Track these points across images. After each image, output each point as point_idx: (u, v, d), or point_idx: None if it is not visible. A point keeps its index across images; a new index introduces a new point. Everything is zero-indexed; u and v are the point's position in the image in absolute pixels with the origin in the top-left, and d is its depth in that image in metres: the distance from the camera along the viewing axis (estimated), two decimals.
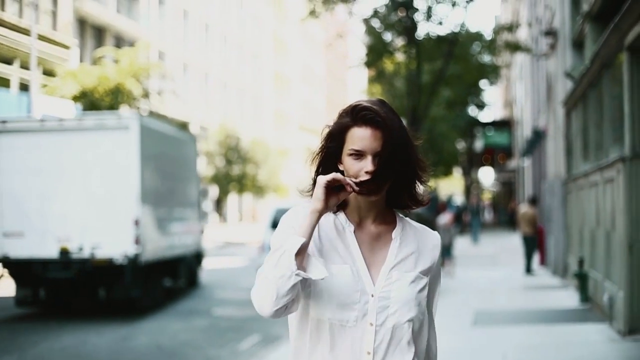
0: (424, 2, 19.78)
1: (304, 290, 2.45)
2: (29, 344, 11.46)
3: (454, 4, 19.77)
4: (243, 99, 60.61)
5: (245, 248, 33.75)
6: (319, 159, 2.58)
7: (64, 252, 13.76)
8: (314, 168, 2.59)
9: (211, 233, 42.30)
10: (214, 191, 51.83)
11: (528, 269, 19.84)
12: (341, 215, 2.58)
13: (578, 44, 16.75)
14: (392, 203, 2.61)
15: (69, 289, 14.90)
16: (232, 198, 56.12)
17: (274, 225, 17.33)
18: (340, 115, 2.52)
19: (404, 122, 2.54)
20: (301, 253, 2.36)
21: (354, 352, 2.45)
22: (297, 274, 2.32)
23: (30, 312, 14.74)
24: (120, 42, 37.96)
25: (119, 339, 11.79)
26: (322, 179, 2.40)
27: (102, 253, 13.72)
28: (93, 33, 35.69)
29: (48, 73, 27.15)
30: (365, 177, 2.41)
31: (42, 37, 24.98)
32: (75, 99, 27.74)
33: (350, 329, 2.44)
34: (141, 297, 14.42)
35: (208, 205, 52.50)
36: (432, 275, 2.61)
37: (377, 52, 21.95)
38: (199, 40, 51.17)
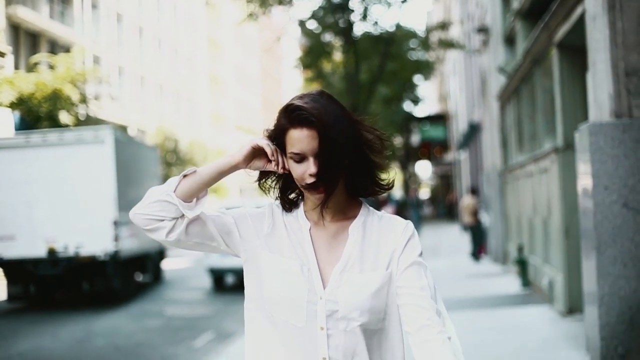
0: (360, 3, 20.16)
1: (251, 274, 2.40)
2: None
3: (389, 5, 20.21)
4: (179, 101, 60.49)
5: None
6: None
7: (52, 252, 15.75)
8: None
9: None
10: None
11: (474, 256, 20.49)
12: (300, 212, 2.46)
13: (509, 40, 17.36)
14: (356, 191, 2.44)
15: (56, 284, 16.87)
16: None
17: None
18: (278, 117, 2.37)
19: None
20: (193, 188, 2.32)
21: (307, 357, 2.33)
22: (169, 194, 2.29)
23: None
24: (55, 47, 37.70)
25: (75, 342, 11.98)
26: (255, 140, 2.32)
27: (86, 251, 15.74)
28: (27, 39, 35.42)
29: None
30: (310, 180, 2.27)
31: None
32: (13, 106, 27.60)
33: (302, 331, 2.32)
34: (120, 288, 16.55)
35: None
36: (404, 258, 2.34)
37: (315, 53, 22.30)
38: (134, 44, 50.97)
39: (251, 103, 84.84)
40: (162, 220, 2.31)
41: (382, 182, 2.41)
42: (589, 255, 7.14)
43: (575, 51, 10.05)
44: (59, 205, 15.70)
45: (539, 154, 12.52)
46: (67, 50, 36.78)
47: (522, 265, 13.95)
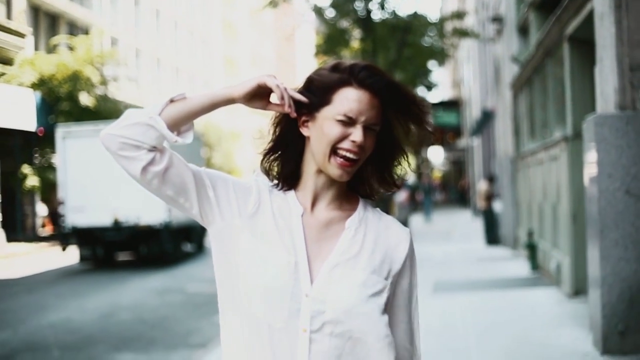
0: None
1: (220, 245, 2.12)
2: (17, 321, 12.20)
3: None
4: (194, 83, 60.98)
5: None
6: (277, 124, 2.18)
7: (116, 221, 19.42)
8: (272, 126, 2.19)
9: None
10: None
11: (489, 240, 20.97)
12: (290, 195, 2.16)
13: (523, 30, 17.76)
14: (355, 186, 2.21)
15: (119, 247, 20.83)
16: None
17: None
18: (327, 69, 2.10)
19: None
20: (180, 115, 2.05)
21: None
22: (152, 118, 2.02)
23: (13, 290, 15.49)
24: (73, 29, 38.14)
25: (103, 316, 12.55)
26: (262, 77, 2.02)
27: (144, 221, 19.34)
28: (47, 21, 35.85)
29: (4, 61, 27.51)
30: (349, 146, 2.02)
31: None
32: (34, 86, 28.19)
33: (279, 332, 2.01)
34: (171, 252, 20.25)
35: None
36: (401, 282, 2.16)
37: (333, 40, 22.71)
38: (150, 26, 51.42)
39: (266, 56, 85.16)
40: (140, 147, 2.02)
41: (391, 180, 2.20)
42: (593, 239, 7.64)
43: (585, 44, 10.49)
44: (122, 182, 16.99)
45: (549, 142, 12.99)
46: (85, 32, 37.27)
47: (532, 250, 14.42)
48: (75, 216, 19.51)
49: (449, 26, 24.13)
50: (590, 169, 7.76)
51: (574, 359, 7.67)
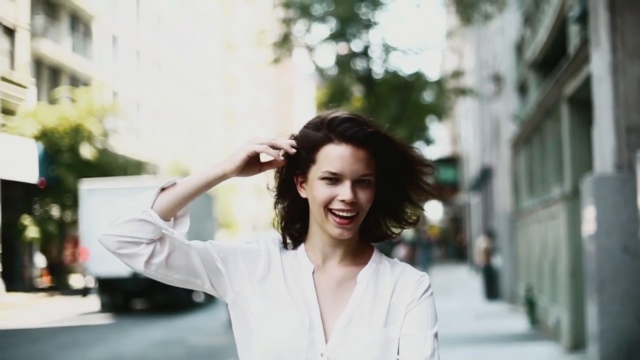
0: (381, 51, 20.95)
1: (237, 312, 2.10)
2: None
3: (406, 53, 21.01)
4: (193, 135, 61.42)
5: None
6: (277, 180, 2.13)
7: (134, 273, 18.26)
8: (273, 191, 2.14)
9: None
10: None
11: (488, 295, 21.12)
12: (300, 252, 2.11)
13: (522, 89, 18.15)
14: (369, 230, 2.14)
15: (137, 295, 22.10)
16: None
17: None
18: (309, 127, 2.04)
19: None
20: (174, 202, 2.00)
21: None
22: (145, 212, 1.95)
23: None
24: (74, 81, 38.58)
25: None
26: (250, 146, 1.98)
27: None
28: (49, 72, 36.26)
29: (7, 112, 27.81)
30: (340, 206, 1.96)
31: (0, 78, 25.80)
32: (36, 138, 28.45)
33: None
34: (185, 300, 21.34)
35: None
36: (411, 311, 2.05)
37: (335, 97, 23.09)
38: (151, 79, 52.00)
39: (264, 106, 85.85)
40: (138, 243, 1.97)
41: (404, 218, 2.13)
42: (592, 295, 7.85)
43: (583, 105, 10.80)
44: None
45: (548, 199, 13.25)
46: (86, 83, 37.70)
47: (530, 305, 14.59)
48: (97, 266, 20.48)
49: (448, 84, 24.55)
50: (588, 227, 8.00)
51: None
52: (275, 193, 2.12)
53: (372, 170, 1.97)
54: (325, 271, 2.06)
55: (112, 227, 1.98)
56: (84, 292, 22.05)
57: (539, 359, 11.19)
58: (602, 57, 8.12)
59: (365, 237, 2.12)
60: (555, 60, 13.26)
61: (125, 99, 45.49)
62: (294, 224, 2.13)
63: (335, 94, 22.95)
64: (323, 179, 1.95)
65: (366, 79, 20.83)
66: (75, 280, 30.87)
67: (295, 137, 2.04)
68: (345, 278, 2.05)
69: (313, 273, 2.05)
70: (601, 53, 8.19)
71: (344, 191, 1.93)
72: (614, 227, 7.57)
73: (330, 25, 18.79)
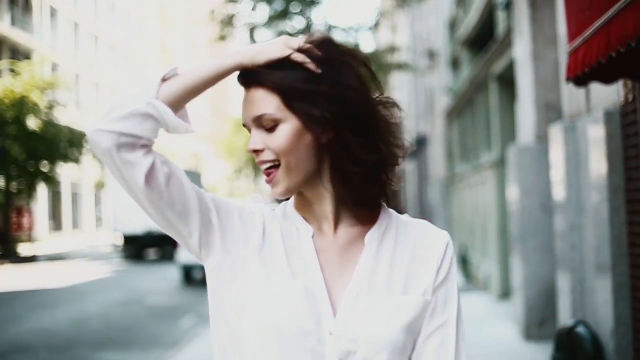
0: (322, 29, 21.94)
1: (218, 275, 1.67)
2: None
3: (345, 31, 21.89)
4: None
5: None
6: None
7: (149, 231, 28.21)
8: None
9: (107, 237, 44.06)
10: (108, 197, 53.10)
11: None
12: (291, 212, 1.74)
13: (455, 63, 19.51)
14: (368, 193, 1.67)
15: (151, 248, 29.90)
16: None
17: None
18: None
19: None
20: (180, 95, 1.59)
21: None
22: (151, 103, 1.55)
23: None
24: (15, 54, 38.77)
25: (74, 325, 13.65)
26: (286, 50, 1.59)
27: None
28: None
29: None
30: (255, 159, 1.66)
31: None
32: None
33: None
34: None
35: (101, 210, 53.99)
36: (437, 293, 1.67)
37: None
38: (89, 51, 52.26)
39: (200, 110, 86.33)
40: (135, 146, 1.55)
41: (397, 141, 1.68)
42: (516, 248, 9.26)
43: (509, 83, 12.17)
44: None
45: (478, 165, 14.68)
46: (27, 56, 37.96)
47: (464, 262, 16.04)
48: (123, 226, 28.72)
49: (385, 59, 25.59)
50: (513, 190, 9.39)
51: (502, 346, 9.24)
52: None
53: (276, 109, 1.58)
54: (324, 234, 1.68)
55: (108, 120, 1.53)
56: (31, 259, 24.62)
57: (474, 307, 12.59)
58: (524, 45, 9.47)
59: (344, 195, 1.65)
60: (485, 39, 14.64)
61: (65, 71, 45.74)
62: None
63: None
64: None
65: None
66: (23, 249, 31.50)
67: None
68: (352, 242, 1.67)
69: (313, 238, 1.68)
70: (523, 41, 9.54)
71: (251, 142, 1.63)
72: (533, 190, 8.96)
73: (275, 6, 19.66)
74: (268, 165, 1.62)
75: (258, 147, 1.61)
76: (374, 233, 1.68)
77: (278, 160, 1.60)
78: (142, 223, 27.79)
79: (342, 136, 1.59)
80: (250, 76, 1.61)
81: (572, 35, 4.43)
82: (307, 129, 1.59)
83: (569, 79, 4.45)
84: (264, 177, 1.65)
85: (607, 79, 4.59)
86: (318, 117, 1.57)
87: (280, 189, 1.62)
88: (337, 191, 1.64)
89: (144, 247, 29.63)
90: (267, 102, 1.59)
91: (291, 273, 1.64)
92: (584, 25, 4.17)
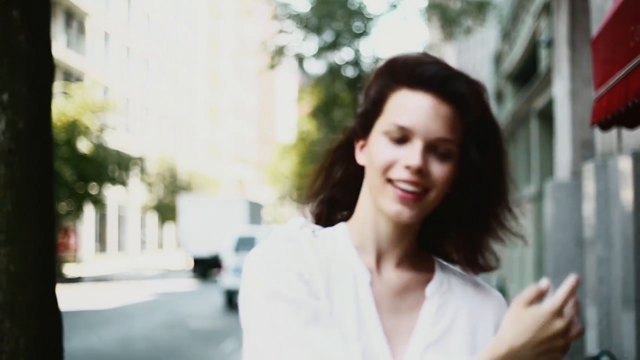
0: (369, 61, 22.28)
1: None
2: None
3: None
4: (180, 131, 62.66)
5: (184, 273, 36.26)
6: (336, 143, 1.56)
7: (216, 253, 30.10)
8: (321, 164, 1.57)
9: (150, 260, 44.67)
10: (153, 220, 53.75)
11: None
12: (343, 243, 1.48)
13: (499, 96, 19.85)
14: (435, 246, 1.56)
15: (213, 267, 31.30)
16: (169, 226, 57.13)
17: (237, 250, 20.28)
18: (380, 74, 1.48)
19: None
20: None
21: None
22: None
23: None
24: (68, 76, 39.56)
25: (120, 346, 14.11)
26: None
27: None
28: None
29: None
30: (403, 176, 1.38)
31: None
32: None
33: None
34: None
35: (146, 233, 54.59)
36: None
37: (328, 103, 24.34)
38: (140, 75, 53.30)
39: (247, 135, 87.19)
40: None
41: (489, 256, 1.55)
42: (551, 280, 9.54)
43: (548, 119, 12.49)
44: (217, 235, 30.28)
45: (517, 198, 15.00)
46: (79, 79, 38.78)
47: (502, 292, 16.22)
48: (193, 250, 32.77)
49: None
50: (549, 224, 9.70)
51: None
52: (328, 158, 1.56)
53: (456, 139, 1.41)
54: (381, 276, 1.46)
55: None
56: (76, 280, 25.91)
57: None
58: (563, 84, 9.82)
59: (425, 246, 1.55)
60: (528, 75, 14.97)
61: (116, 95, 46.65)
62: (340, 204, 1.56)
63: (327, 100, 24.27)
64: (387, 133, 1.40)
65: (355, 85, 22.15)
66: (68, 269, 32.06)
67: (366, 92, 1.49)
68: (408, 288, 1.47)
69: (370, 282, 1.44)
70: (562, 80, 9.88)
71: (411, 154, 1.37)
72: (568, 224, 9.26)
73: (325, 38, 20.11)
74: (417, 189, 1.38)
75: (425, 168, 1.38)
76: (435, 284, 1.49)
77: (429, 189, 1.40)
78: (209, 246, 31.28)
79: (474, 193, 1.47)
80: (453, 85, 1.41)
81: (598, 83, 4.79)
82: (461, 173, 1.44)
83: (593, 124, 4.81)
84: (392, 190, 1.39)
85: (630, 124, 4.94)
86: (477, 169, 1.45)
87: (413, 216, 1.40)
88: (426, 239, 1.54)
89: (210, 267, 32.22)
90: (455, 129, 1.41)
91: (346, 321, 1.38)
92: (607, 75, 4.53)
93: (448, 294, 1.49)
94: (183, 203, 34.57)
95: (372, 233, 1.47)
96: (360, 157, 1.48)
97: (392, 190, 1.39)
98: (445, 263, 1.54)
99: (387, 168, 1.39)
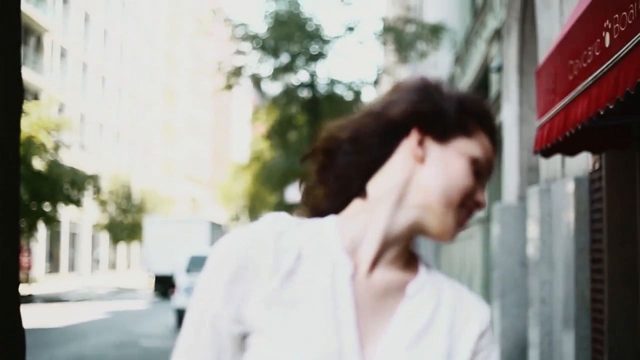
0: (326, 85, 22.51)
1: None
2: None
3: (347, 87, 22.61)
4: (133, 148, 62.37)
5: (137, 293, 36.23)
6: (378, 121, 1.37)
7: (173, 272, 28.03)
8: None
9: (103, 279, 44.33)
10: (105, 239, 53.29)
11: None
12: (329, 233, 1.38)
13: None
14: None
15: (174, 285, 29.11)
16: (121, 246, 56.66)
17: (189, 270, 20.35)
18: (452, 95, 1.39)
19: None
20: None
21: None
22: None
23: None
24: (24, 94, 39.25)
25: None
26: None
27: None
28: None
29: None
30: (473, 209, 1.40)
31: None
32: None
33: None
34: None
35: (99, 253, 54.16)
36: None
37: (282, 124, 24.56)
38: (97, 92, 53.06)
39: (201, 154, 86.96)
40: None
41: None
42: (496, 300, 9.82)
43: (497, 145, 12.79)
44: (175, 253, 28.19)
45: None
46: (35, 96, 38.50)
47: None
48: (155, 267, 32.98)
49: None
50: (496, 246, 9.98)
51: None
52: (353, 136, 1.39)
53: None
54: (368, 276, 1.38)
55: None
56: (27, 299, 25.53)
57: None
58: (511, 109, 10.14)
59: None
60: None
61: (72, 111, 46.36)
62: (347, 193, 1.42)
63: (282, 121, 24.45)
64: (474, 163, 1.37)
65: (311, 107, 22.37)
66: (22, 289, 31.63)
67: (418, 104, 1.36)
68: (390, 287, 1.40)
69: (352, 277, 1.36)
70: (510, 105, 10.20)
71: (482, 194, 1.40)
72: (514, 247, 9.56)
73: (282, 59, 20.32)
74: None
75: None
76: (416, 282, 1.41)
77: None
78: (170, 265, 30.86)
79: None
80: (496, 135, 1.44)
81: (541, 112, 5.07)
82: None
83: (536, 152, 5.07)
84: (465, 216, 1.39)
85: (570, 152, 5.22)
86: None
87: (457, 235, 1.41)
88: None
89: (171, 286, 31.53)
90: None
91: (320, 314, 1.32)
92: (549, 105, 4.81)
93: (429, 295, 1.41)
94: (148, 222, 35.62)
95: (372, 232, 1.37)
96: (418, 151, 1.35)
97: (465, 216, 1.38)
98: (428, 264, 1.48)
99: (464, 200, 1.36)
